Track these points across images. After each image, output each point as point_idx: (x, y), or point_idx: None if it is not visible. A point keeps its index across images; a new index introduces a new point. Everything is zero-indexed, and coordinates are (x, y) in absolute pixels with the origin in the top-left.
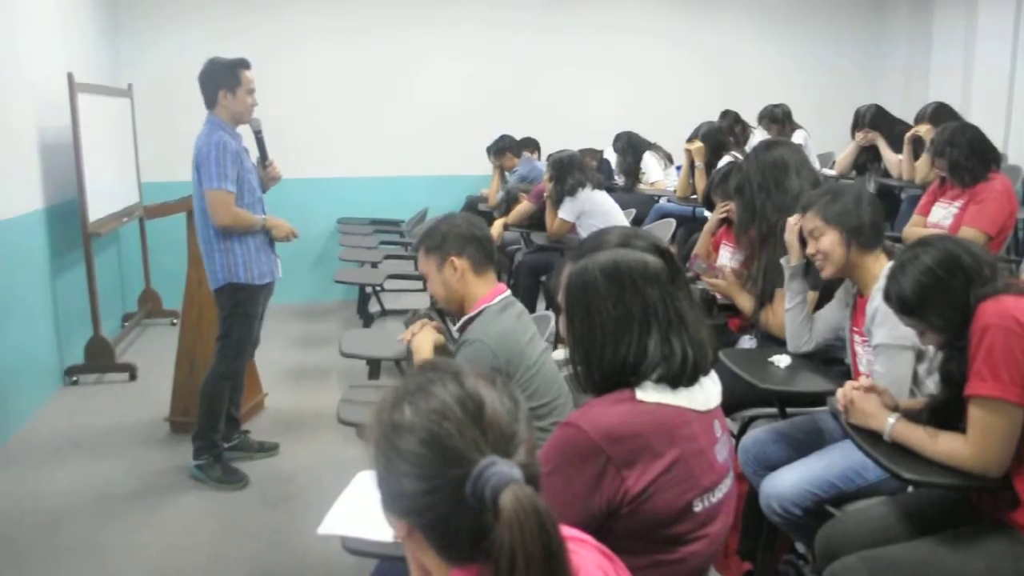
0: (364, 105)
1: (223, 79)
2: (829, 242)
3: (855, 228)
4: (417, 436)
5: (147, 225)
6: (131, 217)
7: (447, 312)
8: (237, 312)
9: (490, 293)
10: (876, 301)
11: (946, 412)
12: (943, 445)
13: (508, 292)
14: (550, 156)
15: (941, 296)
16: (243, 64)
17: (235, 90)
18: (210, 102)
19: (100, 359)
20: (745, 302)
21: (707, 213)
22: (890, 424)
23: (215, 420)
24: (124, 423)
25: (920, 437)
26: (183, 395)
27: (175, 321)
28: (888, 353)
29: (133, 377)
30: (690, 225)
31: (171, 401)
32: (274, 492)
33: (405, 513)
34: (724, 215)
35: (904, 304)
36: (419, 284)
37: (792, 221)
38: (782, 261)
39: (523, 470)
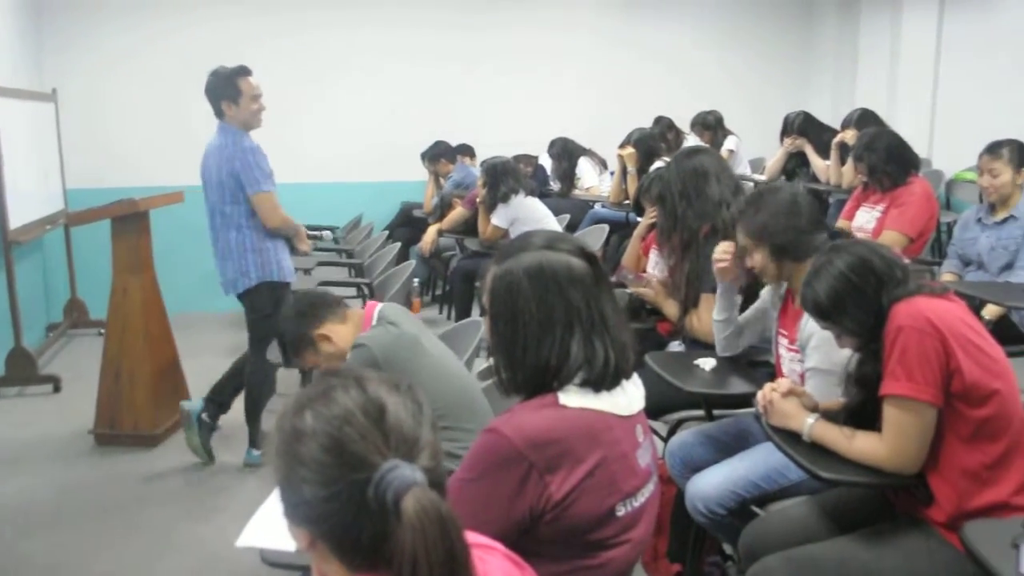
0: (297, 110)
1: (223, 90)
2: (760, 259)
3: (780, 247)
4: (318, 442)
5: (73, 233)
6: (55, 224)
7: None
8: (274, 306)
9: (364, 325)
10: (814, 322)
11: (863, 413)
12: (860, 444)
13: (379, 307)
14: (484, 162)
15: (855, 300)
16: (242, 72)
17: (237, 100)
18: (218, 113)
19: (22, 371)
20: (671, 309)
21: (639, 218)
22: (808, 425)
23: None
24: (46, 436)
25: (837, 437)
26: (108, 407)
27: (102, 331)
28: (821, 377)
29: (57, 389)
30: (624, 230)
31: (96, 413)
32: (201, 505)
33: (307, 522)
34: (653, 220)
35: (819, 309)
36: (352, 292)
37: (723, 247)
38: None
39: (427, 474)
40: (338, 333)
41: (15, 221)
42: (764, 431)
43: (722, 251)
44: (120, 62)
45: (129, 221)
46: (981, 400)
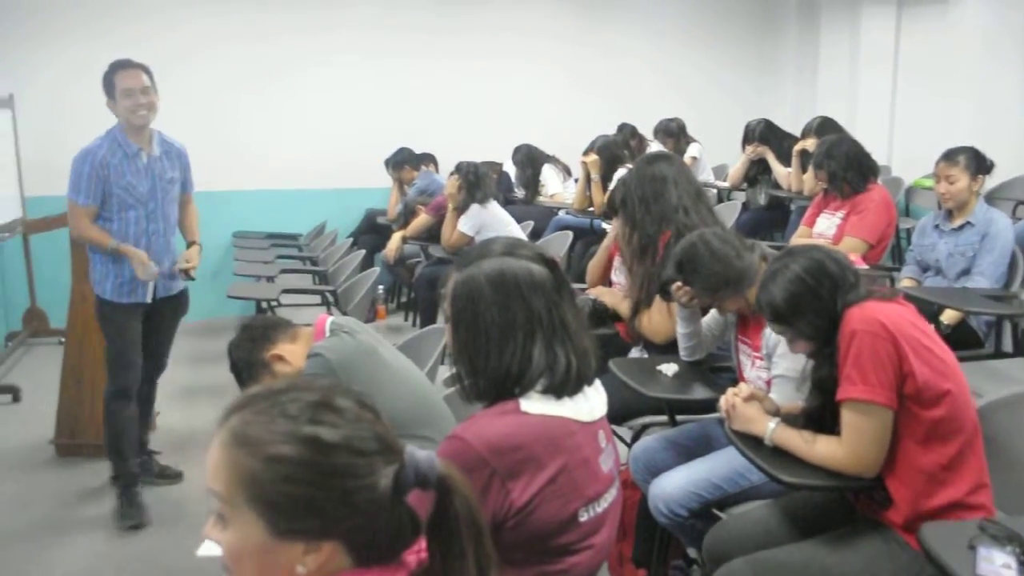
0: (260, 116)
1: (105, 88)
2: (731, 303)
3: (736, 285)
4: (353, 447)
5: (32, 241)
6: (12, 233)
7: None
8: (104, 324)
9: (316, 338)
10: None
11: (822, 417)
12: (820, 448)
13: (330, 319)
14: (462, 163)
15: (810, 304)
16: (117, 67)
17: (113, 95)
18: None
19: None
20: (627, 310)
21: (605, 224)
22: (770, 429)
23: (115, 440)
24: (6, 447)
25: (798, 442)
26: (69, 416)
27: (63, 340)
28: (788, 383)
29: (16, 399)
30: (588, 237)
31: (56, 422)
32: (163, 515)
33: (342, 533)
34: None
35: (775, 312)
36: (316, 299)
37: (680, 293)
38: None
39: None
40: (291, 352)
41: None
42: (726, 435)
43: (684, 293)
44: (80, 68)
45: None
46: (933, 401)
